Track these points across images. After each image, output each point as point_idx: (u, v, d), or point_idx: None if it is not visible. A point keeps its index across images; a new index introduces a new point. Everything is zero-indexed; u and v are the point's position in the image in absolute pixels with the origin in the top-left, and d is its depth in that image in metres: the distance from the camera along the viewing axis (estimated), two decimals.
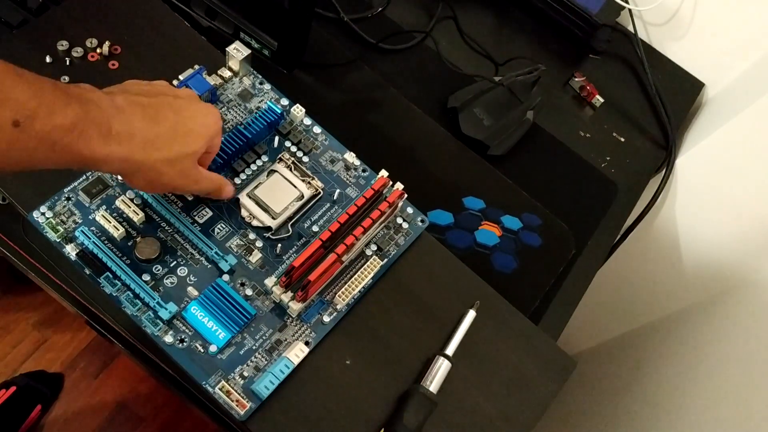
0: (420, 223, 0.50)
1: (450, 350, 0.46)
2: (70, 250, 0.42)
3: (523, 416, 0.46)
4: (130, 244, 0.43)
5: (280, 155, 0.49)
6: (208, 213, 0.46)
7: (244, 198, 0.46)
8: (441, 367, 0.45)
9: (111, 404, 0.94)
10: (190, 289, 0.43)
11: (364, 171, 0.51)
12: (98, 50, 0.51)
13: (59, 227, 0.42)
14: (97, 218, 0.43)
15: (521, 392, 0.46)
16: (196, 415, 0.92)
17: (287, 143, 0.50)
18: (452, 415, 0.45)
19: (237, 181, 0.48)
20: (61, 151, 0.32)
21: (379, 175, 0.48)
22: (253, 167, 0.48)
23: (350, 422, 0.43)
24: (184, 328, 0.42)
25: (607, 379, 0.76)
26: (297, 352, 0.42)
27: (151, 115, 0.36)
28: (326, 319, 0.44)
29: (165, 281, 0.43)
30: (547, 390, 0.47)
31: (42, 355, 0.96)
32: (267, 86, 0.52)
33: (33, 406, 0.89)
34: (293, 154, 0.50)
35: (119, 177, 0.45)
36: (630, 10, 0.72)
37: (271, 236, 0.46)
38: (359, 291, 0.45)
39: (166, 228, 0.44)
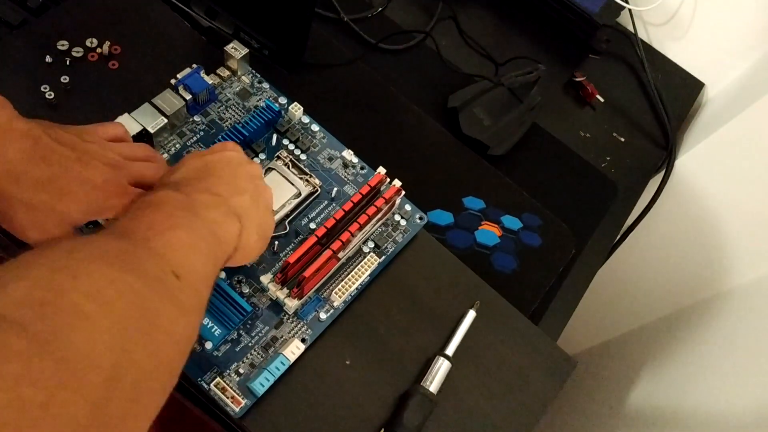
0: (418, 221, 0.50)
1: (450, 350, 0.46)
2: None
3: (523, 416, 0.45)
4: None
5: (278, 153, 0.49)
6: None
7: None
8: (441, 367, 0.45)
9: None
10: None
11: (362, 168, 0.51)
12: (98, 50, 0.52)
13: None
14: None
15: (521, 392, 0.46)
16: (196, 414, 0.91)
17: (285, 141, 0.50)
18: (452, 415, 0.44)
19: None
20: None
21: (376, 172, 0.48)
22: None
23: (350, 422, 0.42)
24: None
25: (607, 379, 0.75)
26: (293, 349, 0.42)
27: (37, 152, 0.34)
28: (323, 316, 0.44)
29: None
30: (547, 390, 0.47)
31: None
32: (266, 85, 0.53)
33: None
34: (291, 152, 0.50)
35: None
36: (630, 10, 0.72)
37: None
38: (356, 288, 0.45)
39: None
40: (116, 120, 0.45)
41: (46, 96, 0.48)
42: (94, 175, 0.35)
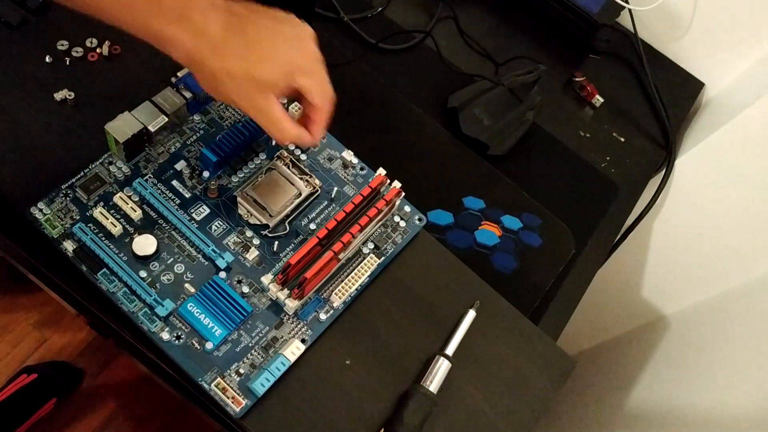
0: (417, 222, 0.50)
1: (450, 350, 0.46)
2: (68, 246, 0.42)
3: (523, 416, 0.46)
4: (127, 240, 0.43)
5: (278, 153, 0.49)
6: (205, 210, 0.46)
7: (241, 195, 0.46)
8: (441, 367, 0.45)
9: (111, 404, 0.94)
10: (186, 285, 0.43)
11: (362, 169, 0.51)
12: (98, 50, 0.52)
13: (57, 223, 0.42)
14: (95, 215, 0.43)
15: (521, 392, 0.46)
16: (197, 415, 0.91)
17: None
18: (452, 415, 0.44)
19: (234, 179, 0.48)
20: (135, 15, 0.33)
21: (376, 173, 0.48)
22: (251, 165, 0.48)
23: (350, 422, 0.42)
24: (180, 325, 0.42)
25: (607, 379, 0.75)
26: (293, 350, 0.42)
27: (234, 23, 0.36)
28: (323, 316, 0.44)
29: (162, 278, 0.43)
30: (547, 390, 0.47)
31: (42, 355, 0.95)
32: None
33: (48, 399, 0.88)
34: (291, 152, 0.50)
35: (117, 174, 0.46)
36: (630, 10, 0.72)
37: (268, 234, 0.46)
38: (356, 289, 0.45)
39: (164, 225, 0.44)
40: (117, 118, 0.45)
41: (55, 96, 0.48)
42: (284, 40, 0.37)
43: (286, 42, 0.37)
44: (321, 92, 0.40)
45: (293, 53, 0.38)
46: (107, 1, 0.32)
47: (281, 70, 0.37)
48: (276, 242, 0.46)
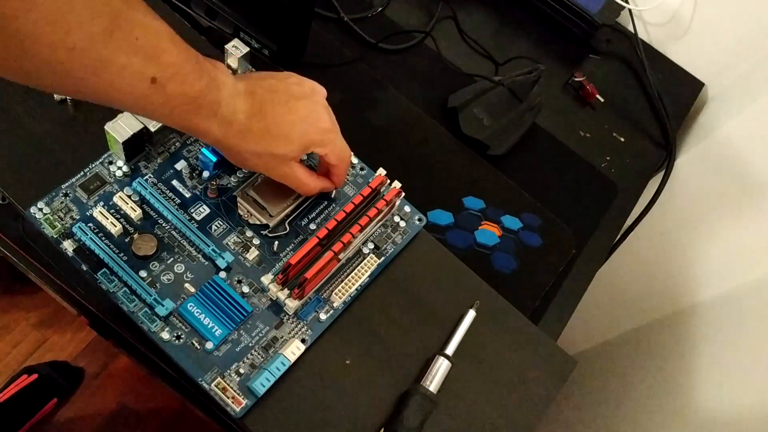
0: (417, 222, 0.50)
1: (450, 350, 0.46)
2: (68, 246, 0.42)
3: (523, 416, 0.45)
4: (127, 240, 0.43)
5: None
6: (205, 210, 0.46)
7: (241, 196, 0.46)
8: (441, 367, 0.45)
9: (111, 404, 0.94)
10: (187, 285, 0.43)
11: (362, 169, 0.51)
12: None
13: (57, 223, 0.42)
14: (95, 214, 0.43)
15: (521, 392, 0.46)
16: (196, 415, 0.91)
17: None
18: (452, 415, 0.44)
19: (234, 179, 0.48)
20: (174, 115, 0.36)
21: (376, 173, 0.48)
22: None
23: (350, 422, 0.42)
24: (180, 324, 0.42)
25: (607, 379, 0.75)
26: (293, 350, 0.42)
27: (255, 108, 0.39)
28: (323, 316, 0.44)
29: (162, 278, 0.43)
30: (547, 390, 0.47)
31: (42, 355, 0.96)
32: None
33: (49, 399, 0.89)
34: None
35: (117, 174, 0.46)
36: (630, 10, 0.72)
37: (268, 234, 0.46)
38: (356, 289, 0.45)
39: (164, 225, 0.44)
40: (117, 118, 0.45)
41: (55, 96, 0.48)
42: (299, 118, 0.41)
43: (300, 120, 0.41)
44: (335, 156, 0.44)
45: (307, 129, 0.41)
46: (149, 107, 0.35)
47: (297, 145, 0.41)
48: (276, 242, 0.46)
